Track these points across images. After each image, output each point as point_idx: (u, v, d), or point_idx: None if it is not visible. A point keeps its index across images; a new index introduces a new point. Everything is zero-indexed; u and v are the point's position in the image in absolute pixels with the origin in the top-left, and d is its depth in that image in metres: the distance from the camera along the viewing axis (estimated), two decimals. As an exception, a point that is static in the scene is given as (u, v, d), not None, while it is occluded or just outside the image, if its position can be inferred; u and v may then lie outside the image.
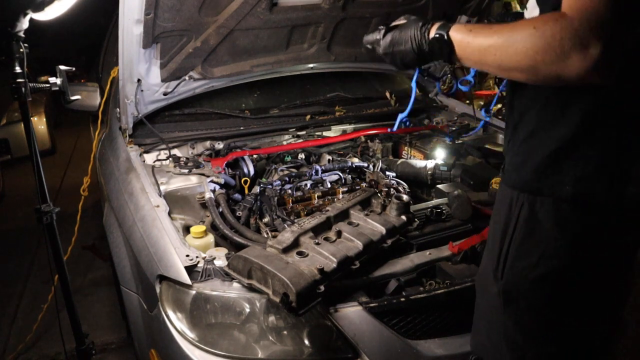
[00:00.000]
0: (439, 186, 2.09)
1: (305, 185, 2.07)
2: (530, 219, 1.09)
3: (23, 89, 1.79)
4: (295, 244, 1.48)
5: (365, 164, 2.27)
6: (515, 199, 1.12)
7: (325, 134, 2.64)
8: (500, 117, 2.88)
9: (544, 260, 1.10)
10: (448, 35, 1.08)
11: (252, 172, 2.24)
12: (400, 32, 1.20)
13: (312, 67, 2.61)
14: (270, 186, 2.00)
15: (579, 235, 1.07)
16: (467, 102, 3.12)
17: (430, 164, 2.24)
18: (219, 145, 2.37)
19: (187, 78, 2.27)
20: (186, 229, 1.79)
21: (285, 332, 1.47)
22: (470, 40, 1.04)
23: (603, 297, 1.16)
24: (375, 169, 2.22)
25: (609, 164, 1.03)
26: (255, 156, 2.33)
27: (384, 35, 1.24)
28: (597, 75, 0.89)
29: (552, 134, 1.05)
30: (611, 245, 1.10)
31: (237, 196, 2.04)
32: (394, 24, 1.26)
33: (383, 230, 1.63)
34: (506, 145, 1.18)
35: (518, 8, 5.01)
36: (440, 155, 2.37)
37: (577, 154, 1.03)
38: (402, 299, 1.50)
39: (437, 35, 1.10)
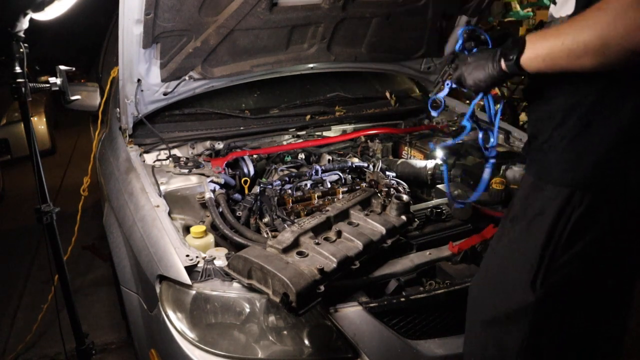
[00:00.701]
0: (439, 186, 2.09)
1: (305, 185, 2.07)
2: (585, 219, 1.05)
3: (23, 89, 1.79)
4: (295, 244, 1.48)
5: (365, 164, 2.27)
6: (567, 198, 1.06)
7: (325, 134, 2.64)
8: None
9: (590, 261, 1.07)
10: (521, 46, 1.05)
11: (252, 172, 2.24)
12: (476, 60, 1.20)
13: (312, 67, 2.60)
14: (270, 186, 2.00)
15: (629, 231, 1.07)
16: (467, 101, 3.12)
17: (430, 164, 2.24)
18: (219, 145, 2.37)
19: (187, 78, 2.27)
20: (186, 229, 1.79)
21: (285, 332, 1.47)
22: (536, 42, 1.02)
23: (626, 294, 1.17)
24: (375, 169, 2.22)
25: None
26: (255, 156, 2.33)
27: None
28: None
29: (610, 125, 1.02)
30: None
31: (237, 196, 2.04)
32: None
33: (383, 230, 1.63)
34: (539, 144, 1.13)
35: (518, 8, 5.00)
36: (440, 155, 2.37)
37: (638, 143, 1.01)
38: (402, 299, 1.50)
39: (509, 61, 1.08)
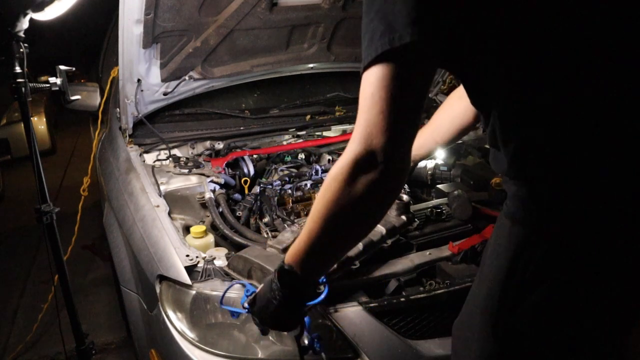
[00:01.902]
0: (439, 186, 2.08)
1: (305, 185, 2.07)
2: (545, 262, 0.93)
3: (23, 89, 1.79)
4: (295, 244, 1.48)
5: (365, 164, 2.26)
6: (525, 238, 0.95)
7: (325, 134, 2.64)
8: None
9: (554, 309, 0.97)
10: (284, 263, 1.02)
11: (252, 172, 2.24)
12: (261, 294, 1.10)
13: (312, 67, 2.60)
14: (270, 186, 2.00)
15: (597, 274, 0.94)
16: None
17: (430, 164, 2.23)
18: (219, 145, 2.37)
19: (187, 78, 2.27)
20: (186, 229, 1.79)
21: (285, 332, 1.47)
22: (296, 248, 1.00)
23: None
24: (375, 169, 2.22)
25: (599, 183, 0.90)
26: (255, 156, 2.33)
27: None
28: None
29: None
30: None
31: (237, 196, 2.04)
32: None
33: (383, 230, 1.62)
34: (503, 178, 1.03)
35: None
36: (440, 155, 2.36)
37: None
38: (402, 299, 1.50)
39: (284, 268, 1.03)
